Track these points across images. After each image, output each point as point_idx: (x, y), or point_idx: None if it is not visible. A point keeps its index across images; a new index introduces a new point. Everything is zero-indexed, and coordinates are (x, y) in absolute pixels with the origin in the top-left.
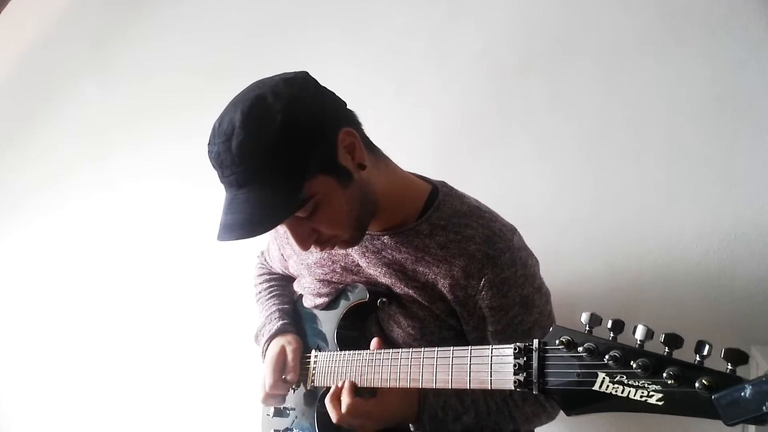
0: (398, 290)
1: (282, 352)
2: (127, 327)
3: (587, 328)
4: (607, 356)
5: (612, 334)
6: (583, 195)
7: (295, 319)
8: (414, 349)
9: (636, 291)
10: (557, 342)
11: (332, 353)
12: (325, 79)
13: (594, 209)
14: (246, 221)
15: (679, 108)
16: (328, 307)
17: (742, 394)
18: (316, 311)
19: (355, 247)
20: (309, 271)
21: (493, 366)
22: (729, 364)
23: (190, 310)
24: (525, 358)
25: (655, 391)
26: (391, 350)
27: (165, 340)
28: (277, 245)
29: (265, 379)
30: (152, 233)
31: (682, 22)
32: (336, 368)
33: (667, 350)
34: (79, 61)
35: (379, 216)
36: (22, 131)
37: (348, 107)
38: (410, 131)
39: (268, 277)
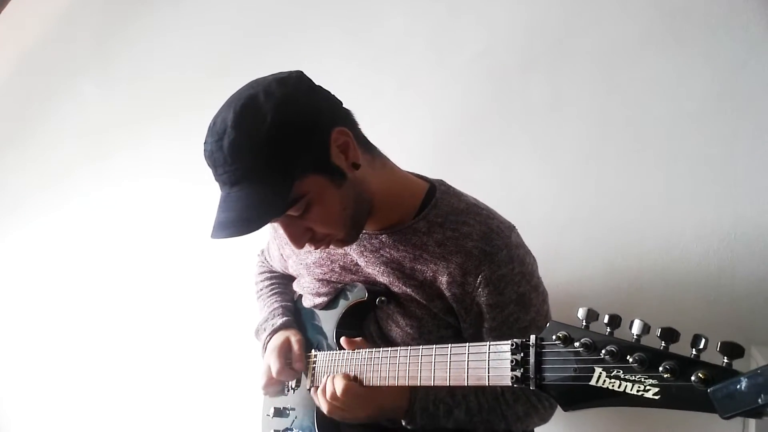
0: (396, 289)
1: (287, 341)
2: (127, 326)
3: (584, 324)
4: (603, 351)
5: (609, 329)
6: (583, 195)
7: (295, 317)
8: (412, 347)
9: (636, 291)
10: (554, 337)
11: (332, 353)
12: (325, 78)
13: (594, 209)
14: (236, 219)
15: (679, 108)
16: (327, 306)
17: (738, 386)
18: (315, 311)
19: (354, 246)
20: (308, 270)
21: (490, 362)
22: (725, 357)
23: (190, 309)
24: (522, 354)
25: (652, 385)
26: (389, 348)
27: (165, 339)
28: (276, 245)
29: (271, 365)
30: (152, 232)
31: (682, 22)
32: (335, 367)
33: (663, 345)
34: (78, 61)
35: (376, 215)
36: (22, 131)
37: (344, 106)
38: (410, 131)
39: (269, 275)
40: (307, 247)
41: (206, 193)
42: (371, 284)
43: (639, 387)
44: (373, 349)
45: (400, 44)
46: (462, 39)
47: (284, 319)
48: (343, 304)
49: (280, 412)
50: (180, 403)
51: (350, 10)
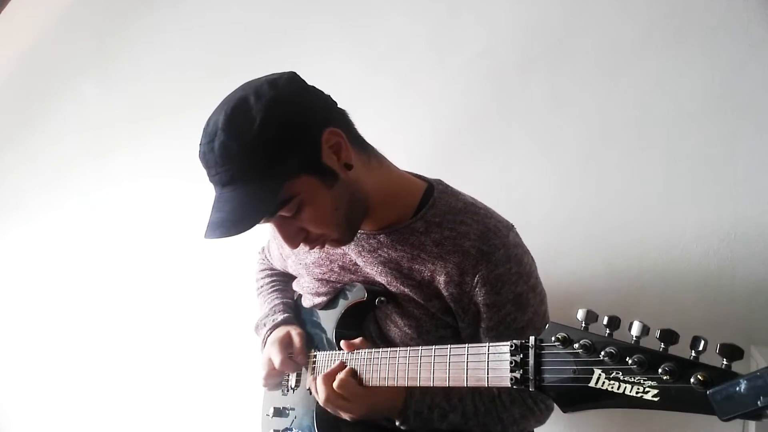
0: (394, 289)
1: (288, 335)
2: (127, 325)
3: (583, 325)
4: (602, 353)
5: (608, 331)
6: (583, 195)
7: (296, 315)
8: (411, 348)
9: (636, 291)
10: (553, 339)
11: (331, 353)
12: (326, 78)
13: (594, 209)
14: (227, 220)
15: (680, 108)
16: (326, 306)
17: (737, 388)
18: (315, 310)
19: (352, 246)
20: (307, 270)
21: (489, 363)
22: (724, 359)
23: (190, 308)
24: (521, 355)
25: (651, 387)
26: (389, 349)
27: (165, 338)
28: (276, 244)
29: (272, 357)
30: (152, 231)
31: (682, 22)
32: None
33: (662, 346)
34: (78, 61)
35: (373, 215)
36: (22, 130)
37: (339, 107)
38: (410, 131)
39: (270, 272)
40: (306, 248)
41: (206, 192)
42: (370, 284)
43: (638, 389)
44: (373, 350)
45: (400, 44)
46: (462, 39)
47: (285, 315)
48: (342, 304)
49: (279, 412)
50: (180, 402)
51: (350, 10)
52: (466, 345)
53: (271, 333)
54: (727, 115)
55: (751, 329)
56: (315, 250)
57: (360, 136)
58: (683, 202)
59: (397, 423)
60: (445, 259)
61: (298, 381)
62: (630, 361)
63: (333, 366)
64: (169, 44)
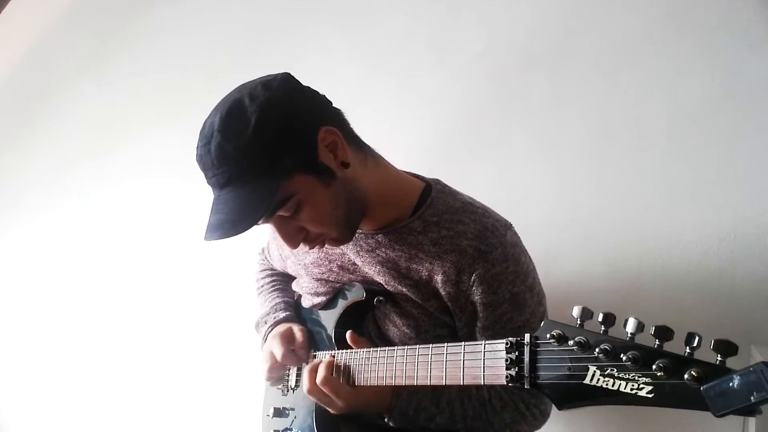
0: (392, 288)
1: (289, 330)
2: (127, 325)
3: (578, 322)
4: (597, 350)
5: (603, 328)
6: (583, 195)
7: (296, 314)
8: (409, 347)
9: (636, 291)
10: (548, 336)
11: (331, 352)
12: (326, 78)
13: (594, 209)
14: (225, 221)
15: (679, 108)
16: (326, 306)
17: (731, 384)
18: (314, 310)
19: (350, 246)
20: (306, 270)
21: (485, 361)
22: (719, 355)
23: (190, 309)
24: (517, 353)
25: (645, 383)
26: (386, 348)
27: (165, 338)
28: (276, 245)
29: (274, 350)
30: (152, 231)
31: (682, 22)
32: None
33: (657, 343)
34: (78, 61)
35: (371, 214)
36: (22, 130)
37: (334, 106)
38: (410, 131)
39: (270, 272)
40: (305, 247)
41: (206, 192)
42: (369, 283)
43: (633, 385)
44: (371, 349)
45: (400, 44)
46: (462, 39)
47: (286, 313)
48: (341, 304)
49: (279, 412)
50: (180, 402)
51: (350, 10)
52: (463, 343)
53: (272, 330)
54: (727, 115)
55: (751, 329)
56: (314, 250)
57: (356, 136)
58: (683, 202)
59: (385, 419)
60: (443, 258)
61: (298, 381)
62: (624, 358)
63: (324, 360)
64: (169, 44)
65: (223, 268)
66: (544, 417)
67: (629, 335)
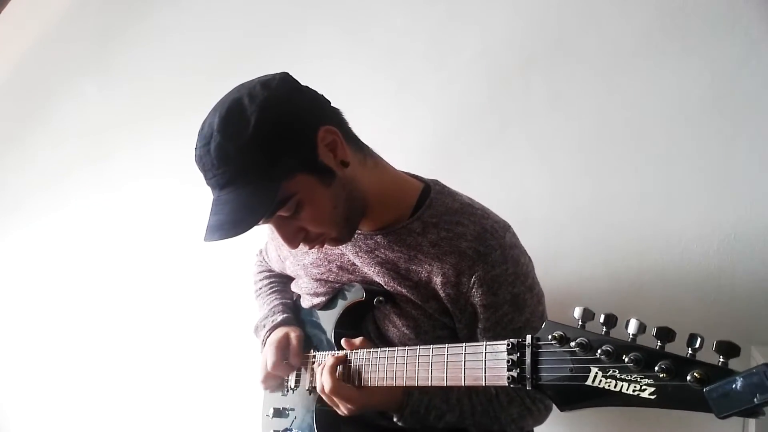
0: (391, 289)
1: (285, 336)
2: (127, 327)
3: (580, 323)
4: (599, 351)
5: (605, 329)
6: (582, 195)
7: (295, 316)
8: (410, 347)
9: (636, 291)
10: (550, 337)
11: (330, 353)
12: (326, 79)
13: (594, 209)
14: (226, 222)
15: (679, 108)
16: (325, 306)
17: (734, 386)
18: (314, 311)
19: (350, 246)
20: (305, 271)
21: (487, 363)
22: (721, 356)
23: (190, 310)
24: (518, 354)
25: (648, 385)
26: (387, 349)
27: (165, 340)
28: (274, 246)
29: (267, 359)
30: (152, 233)
31: (682, 22)
32: None
33: (659, 344)
34: (78, 61)
35: (370, 215)
36: (22, 131)
37: (332, 105)
38: (409, 131)
39: (268, 273)
40: (304, 248)
41: (206, 194)
42: (368, 284)
43: (635, 387)
44: (371, 350)
45: (400, 45)
46: (461, 39)
47: (284, 316)
48: (341, 304)
49: (279, 413)
50: (180, 403)
51: (350, 11)
52: (464, 344)
53: (270, 334)
54: (727, 115)
55: (751, 329)
56: (313, 250)
57: (355, 136)
58: (683, 202)
59: (394, 419)
60: (442, 260)
61: (297, 381)
62: (626, 359)
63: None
64: (170, 46)
65: (224, 269)
66: (548, 411)
67: (631, 336)
